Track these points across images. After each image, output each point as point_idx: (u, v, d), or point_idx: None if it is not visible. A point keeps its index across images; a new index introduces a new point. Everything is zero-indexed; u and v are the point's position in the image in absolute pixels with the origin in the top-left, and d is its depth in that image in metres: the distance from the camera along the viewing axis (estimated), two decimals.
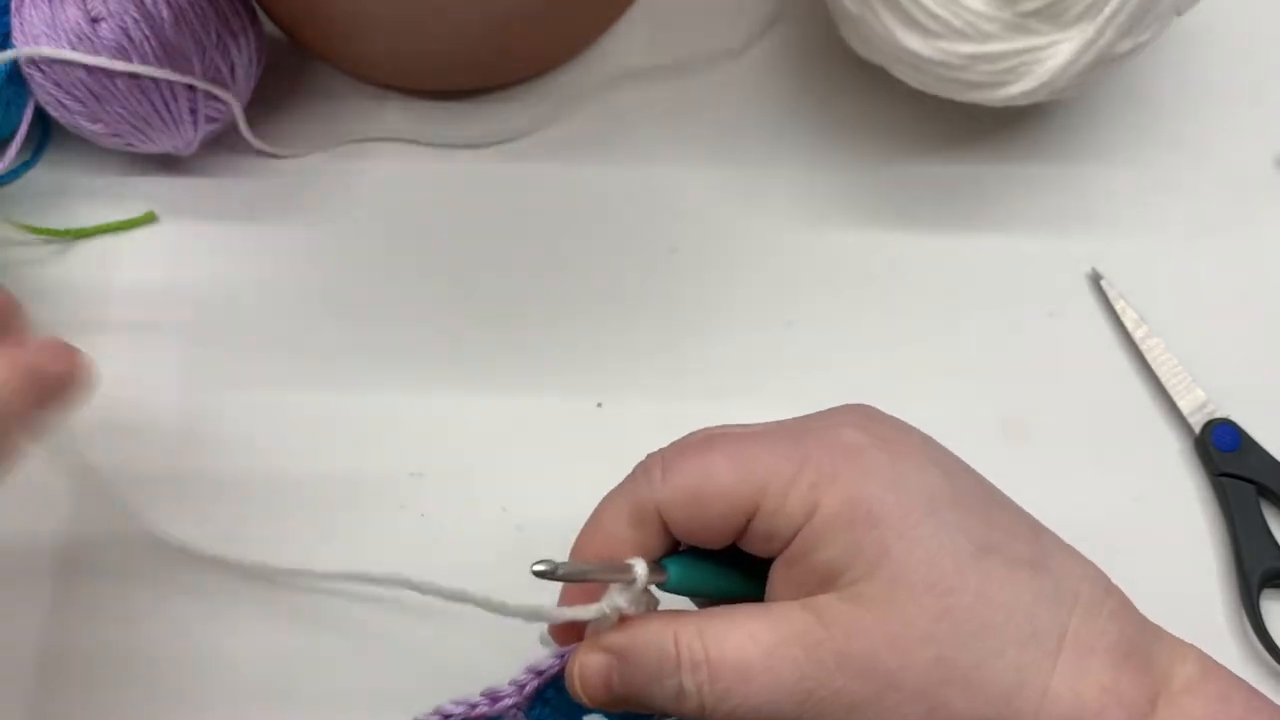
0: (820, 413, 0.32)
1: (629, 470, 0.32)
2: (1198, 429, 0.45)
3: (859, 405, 0.32)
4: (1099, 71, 0.44)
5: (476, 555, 0.43)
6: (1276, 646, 0.42)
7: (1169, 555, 0.44)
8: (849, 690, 0.27)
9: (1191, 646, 0.31)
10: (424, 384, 0.47)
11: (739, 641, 0.28)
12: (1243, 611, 0.43)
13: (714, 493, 0.29)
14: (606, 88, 0.53)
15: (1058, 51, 0.43)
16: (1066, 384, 0.47)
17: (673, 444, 0.32)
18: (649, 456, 0.32)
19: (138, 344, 0.47)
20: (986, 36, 0.43)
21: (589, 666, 0.30)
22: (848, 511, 0.28)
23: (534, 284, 0.49)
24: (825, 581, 0.28)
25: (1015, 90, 0.44)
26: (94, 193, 0.50)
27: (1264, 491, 0.44)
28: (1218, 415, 0.45)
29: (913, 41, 0.44)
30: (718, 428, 0.32)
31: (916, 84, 0.47)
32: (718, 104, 0.52)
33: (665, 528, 0.30)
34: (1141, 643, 0.30)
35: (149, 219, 0.50)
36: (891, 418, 0.32)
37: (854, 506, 0.28)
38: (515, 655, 0.33)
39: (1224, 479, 0.44)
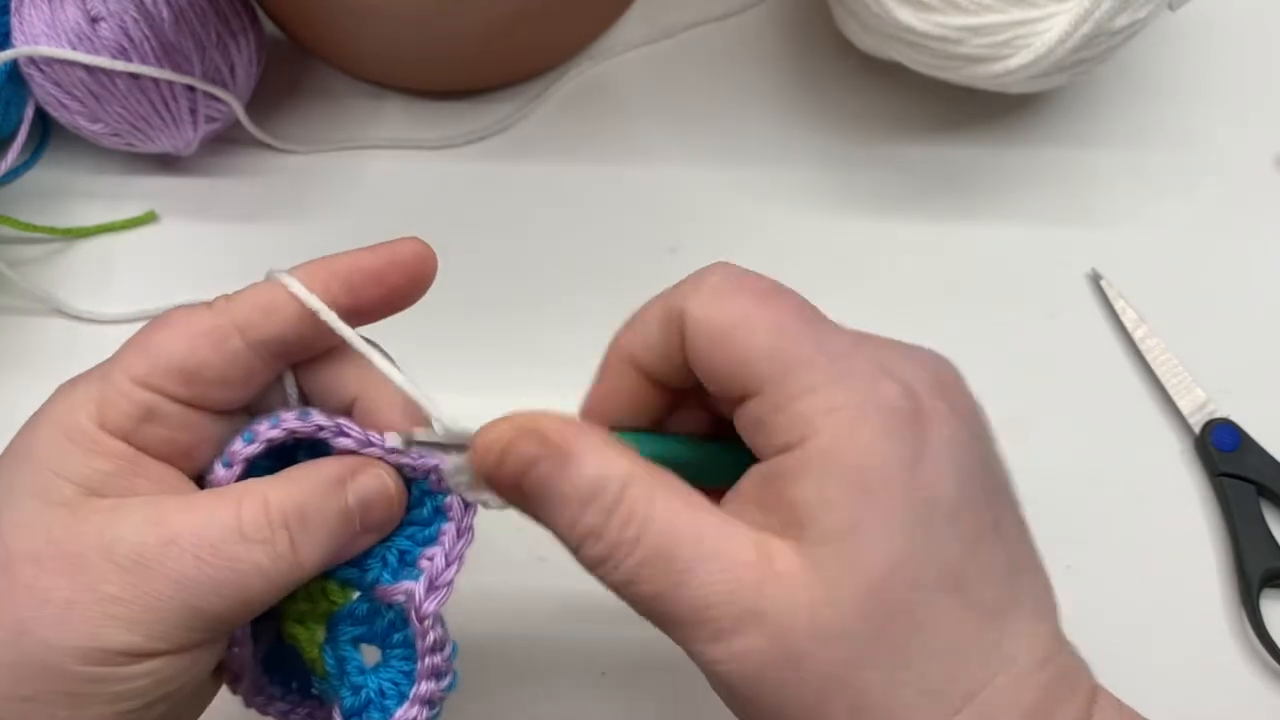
0: (904, 346, 0.29)
1: None
2: (1198, 429, 0.45)
3: (943, 362, 0.29)
4: (1097, 50, 0.44)
5: (476, 552, 0.43)
6: (1276, 646, 0.42)
7: (1169, 555, 0.44)
8: (752, 644, 0.25)
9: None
10: (424, 383, 0.46)
11: (686, 535, 0.26)
12: (1243, 611, 0.43)
13: (738, 343, 0.27)
14: (606, 86, 0.53)
15: (1054, 24, 0.43)
16: (1066, 384, 0.47)
17: (747, 273, 0.29)
18: (719, 265, 0.29)
19: None
20: (982, 8, 0.43)
21: (517, 440, 0.27)
22: (844, 460, 0.25)
23: (533, 283, 0.49)
24: (789, 524, 0.26)
25: (1013, 63, 0.44)
26: (94, 193, 0.50)
27: (1264, 491, 0.44)
28: (1218, 415, 0.45)
29: (907, 15, 0.44)
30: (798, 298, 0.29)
31: (914, 65, 0.47)
32: (717, 101, 0.52)
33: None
34: (1059, 715, 0.27)
35: (149, 219, 0.50)
36: (963, 393, 0.29)
37: (853, 459, 0.25)
38: None
39: (1224, 479, 0.44)
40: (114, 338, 0.47)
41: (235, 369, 0.29)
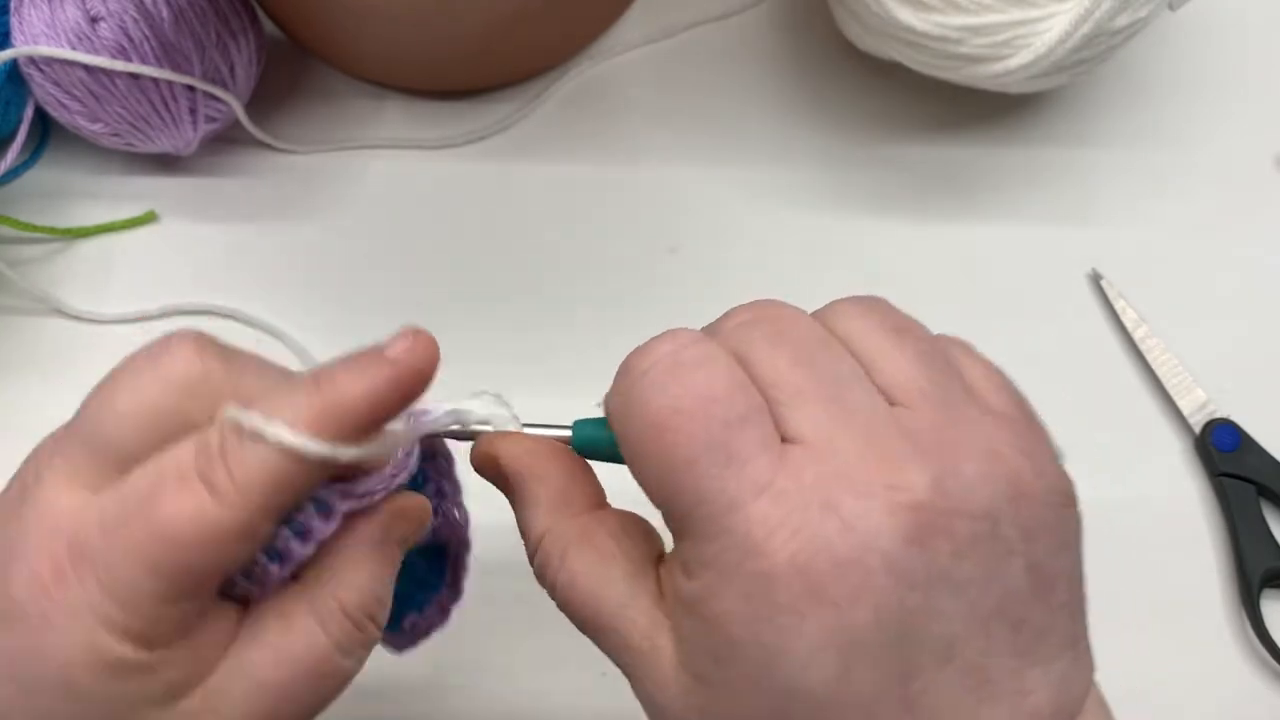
0: (879, 464, 0.24)
1: (627, 471, 0.32)
2: (1198, 429, 0.45)
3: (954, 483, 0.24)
4: (1097, 50, 0.44)
5: (476, 553, 0.43)
6: (1277, 646, 0.42)
7: (1169, 555, 0.44)
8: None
9: None
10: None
11: (590, 597, 0.27)
12: (1243, 611, 0.43)
13: (634, 468, 0.26)
14: (606, 86, 0.53)
15: (1054, 24, 0.43)
16: (1066, 384, 0.47)
17: (669, 373, 0.25)
18: (659, 353, 0.26)
19: (137, 344, 0.47)
20: (982, 8, 0.43)
21: (482, 466, 0.30)
22: (705, 615, 0.24)
23: (533, 283, 0.49)
24: (674, 612, 0.26)
25: (1013, 63, 0.44)
26: (94, 193, 0.50)
27: (1264, 491, 0.44)
28: (1218, 415, 0.45)
29: (907, 15, 0.44)
30: None
31: (914, 65, 0.47)
32: (717, 100, 0.52)
33: None
34: None
35: (149, 219, 0.50)
36: (972, 528, 0.24)
37: (711, 617, 0.24)
38: None
39: (1224, 479, 0.44)
40: (114, 338, 0.48)
41: (259, 545, 0.26)
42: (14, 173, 0.50)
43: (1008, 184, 0.51)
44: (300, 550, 0.27)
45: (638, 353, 0.26)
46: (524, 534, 0.29)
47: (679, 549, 0.25)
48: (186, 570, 0.25)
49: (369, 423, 0.26)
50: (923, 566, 0.23)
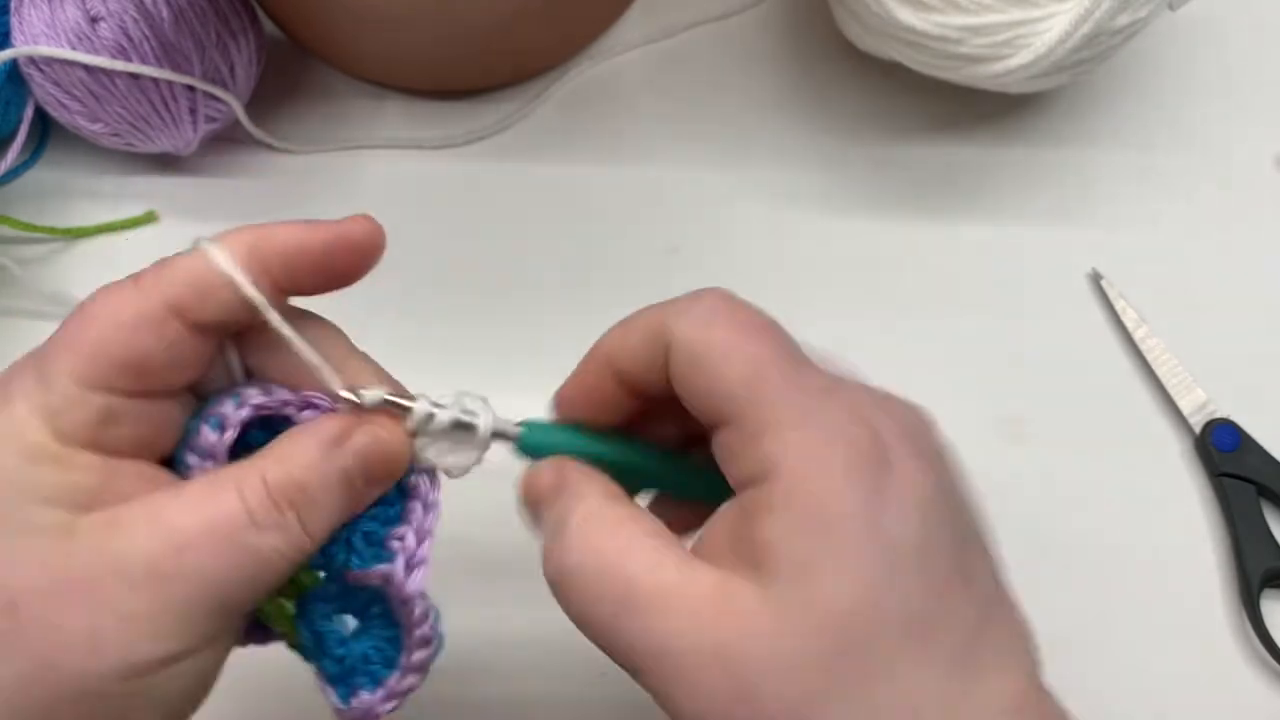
0: (877, 393, 0.29)
1: None
2: (1198, 429, 0.45)
3: (914, 411, 0.29)
4: (1097, 50, 0.44)
5: (475, 555, 0.43)
6: (1277, 646, 0.42)
7: (1169, 555, 0.44)
8: (711, 682, 0.25)
9: None
10: (422, 383, 0.46)
11: (641, 567, 0.26)
12: (1243, 611, 0.43)
13: (716, 371, 0.27)
14: (606, 86, 0.53)
15: (1054, 24, 0.43)
16: (1066, 384, 0.47)
17: (738, 303, 0.29)
18: (713, 291, 0.29)
19: None
20: (982, 8, 0.43)
21: (544, 473, 0.29)
22: (806, 500, 0.25)
23: (532, 283, 0.49)
24: (752, 562, 0.26)
25: (1014, 63, 0.44)
26: (94, 193, 0.50)
27: (1264, 491, 0.44)
28: (1218, 415, 0.45)
29: (907, 15, 0.44)
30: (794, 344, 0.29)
31: (914, 65, 0.47)
32: (717, 100, 0.52)
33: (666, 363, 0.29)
34: None
35: (149, 219, 0.50)
36: (933, 441, 0.28)
37: (814, 500, 0.25)
38: None
39: (1224, 479, 0.44)
40: None
41: (180, 352, 0.27)
42: (14, 173, 0.50)
43: (1008, 184, 0.51)
44: (234, 414, 0.28)
45: (693, 294, 0.29)
46: (563, 518, 0.28)
47: (758, 452, 0.26)
48: (99, 346, 0.26)
49: (291, 267, 0.28)
50: (944, 463, 0.28)
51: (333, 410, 0.29)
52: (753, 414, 0.27)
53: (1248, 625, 0.42)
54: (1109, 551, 0.44)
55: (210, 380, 0.29)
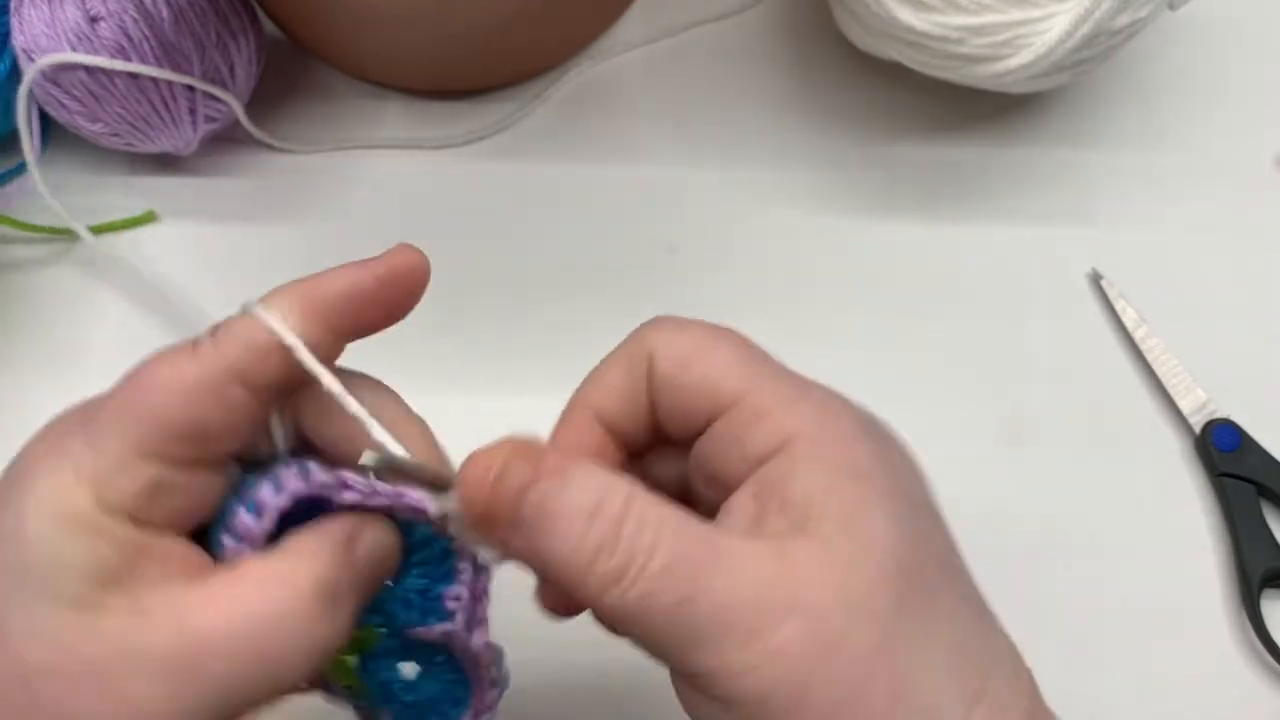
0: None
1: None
2: (1198, 429, 0.45)
3: (869, 411, 0.29)
4: (1097, 50, 0.44)
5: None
6: (1277, 646, 0.42)
7: (1169, 555, 0.44)
8: (788, 636, 0.24)
9: None
10: (423, 383, 0.46)
11: (700, 538, 0.25)
12: (1243, 611, 0.43)
13: (707, 363, 0.28)
14: (606, 86, 0.53)
15: (1054, 24, 0.43)
16: (1066, 384, 0.47)
17: (688, 320, 0.29)
18: (665, 315, 0.29)
19: (138, 344, 0.47)
20: (982, 8, 0.43)
21: (511, 464, 0.26)
22: (834, 453, 0.26)
23: (533, 282, 0.49)
24: (794, 521, 0.25)
25: (1014, 63, 0.44)
26: (94, 193, 0.50)
27: (1264, 491, 0.44)
28: (1218, 415, 0.45)
29: (907, 15, 0.44)
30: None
31: (914, 65, 0.47)
32: (717, 100, 0.52)
33: (649, 387, 0.29)
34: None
35: (149, 219, 0.50)
36: (894, 434, 0.29)
37: (841, 452, 0.26)
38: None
39: (1224, 479, 0.44)
40: (113, 338, 0.48)
41: (238, 417, 0.27)
42: (14, 172, 0.50)
43: (1008, 184, 0.51)
44: (273, 500, 0.27)
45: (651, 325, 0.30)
46: (590, 512, 0.25)
47: (761, 431, 0.27)
48: (158, 414, 0.26)
49: (345, 309, 0.28)
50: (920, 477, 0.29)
51: (370, 489, 0.28)
52: (754, 394, 0.27)
53: (1248, 625, 0.42)
54: (1109, 551, 0.44)
55: (256, 446, 0.29)
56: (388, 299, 0.29)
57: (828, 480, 0.26)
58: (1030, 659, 0.27)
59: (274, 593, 0.26)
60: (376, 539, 0.28)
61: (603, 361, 0.30)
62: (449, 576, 0.29)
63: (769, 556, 0.25)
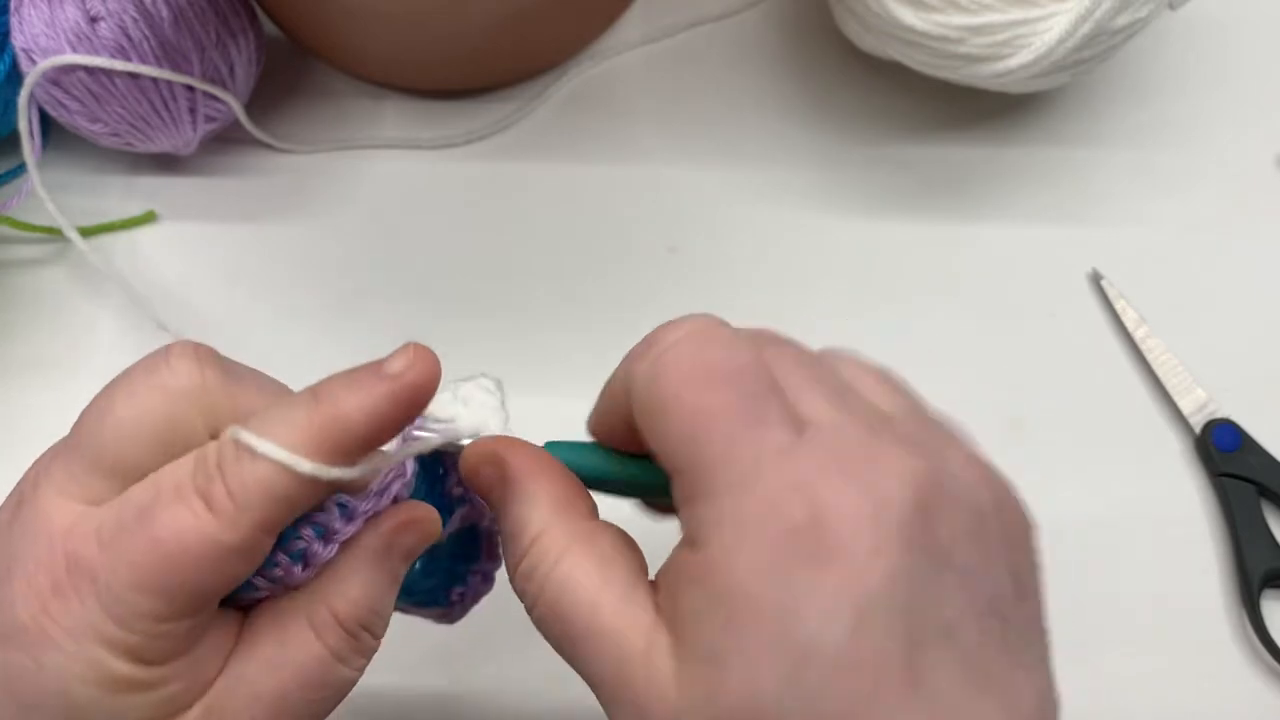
0: (881, 447, 0.25)
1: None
2: (1198, 429, 0.45)
3: (969, 482, 0.26)
4: (1097, 50, 0.44)
5: None
6: (1277, 646, 0.42)
7: (1169, 555, 0.44)
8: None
9: None
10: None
11: (582, 603, 0.25)
12: (1243, 611, 0.43)
13: (659, 428, 0.26)
14: (606, 86, 0.53)
15: (1054, 24, 0.43)
16: (1066, 384, 0.47)
17: (712, 337, 0.26)
18: (686, 324, 0.27)
19: (138, 344, 0.47)
20: (982, 8, 0.43)
21: (481, 465, 0.28)
22: (720, 582, 0.24)
23: (532, 283, 0.49)
24: (674, 624, 0.25)
25: (1014, 63, 0.44)
26: (94, 193, 0.50)
27: (1264, 491, 0.44)
28: (1218, 415, 0.45)
29: (907, 14, 0.44)
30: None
31: (914, 65, 0.47)
32: (717, 100, 0.52)
33: None
34: None
35: (149, 219, 0.50)
36: (947, 516, 0.24)
37: (728, 583, 0.24)
38: None
39: (1224, 479, 0.44)
40: (113, 338, 0.48)
41: (263, 555, 0.26)
42: (14, 172, 0.50)
43: (1008, 184, 0.51)
44: (323, 552, 0.27)
45: (668, 324, 0.27)
46: (514, 533, 0.27)
47: (691, 516, 0.25)
48: (184, 589, 0.25)
49: (368, 440, 0.26)
50: (930, 538, 0.23)
51: (375, 510, 0.28)
52: (690, 475, 0.25)
53: (1248, 625, 0.42)
54: (1109, 551, 0.44)
55: None
56: (404, 418, 0.27)
57: (706, 607, 0.24)
58: None
59: (327, 634, 0.27)
60: (412, 543, 0.29)
61: (608, 380, 0.29)
62: (445, 474, 0.31)
63: (640, 651, 0.25)
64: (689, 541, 0.25)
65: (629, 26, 0.54)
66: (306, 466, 0.25)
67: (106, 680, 0.25)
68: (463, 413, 0.30)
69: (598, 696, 0.26)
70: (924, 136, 0.51)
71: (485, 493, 0.29)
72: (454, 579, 0.33)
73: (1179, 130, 0.52)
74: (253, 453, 0.25)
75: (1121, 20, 0.43)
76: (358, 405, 0.26)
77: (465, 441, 0.30)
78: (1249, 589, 0.43)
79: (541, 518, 0.27)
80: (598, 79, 0.53)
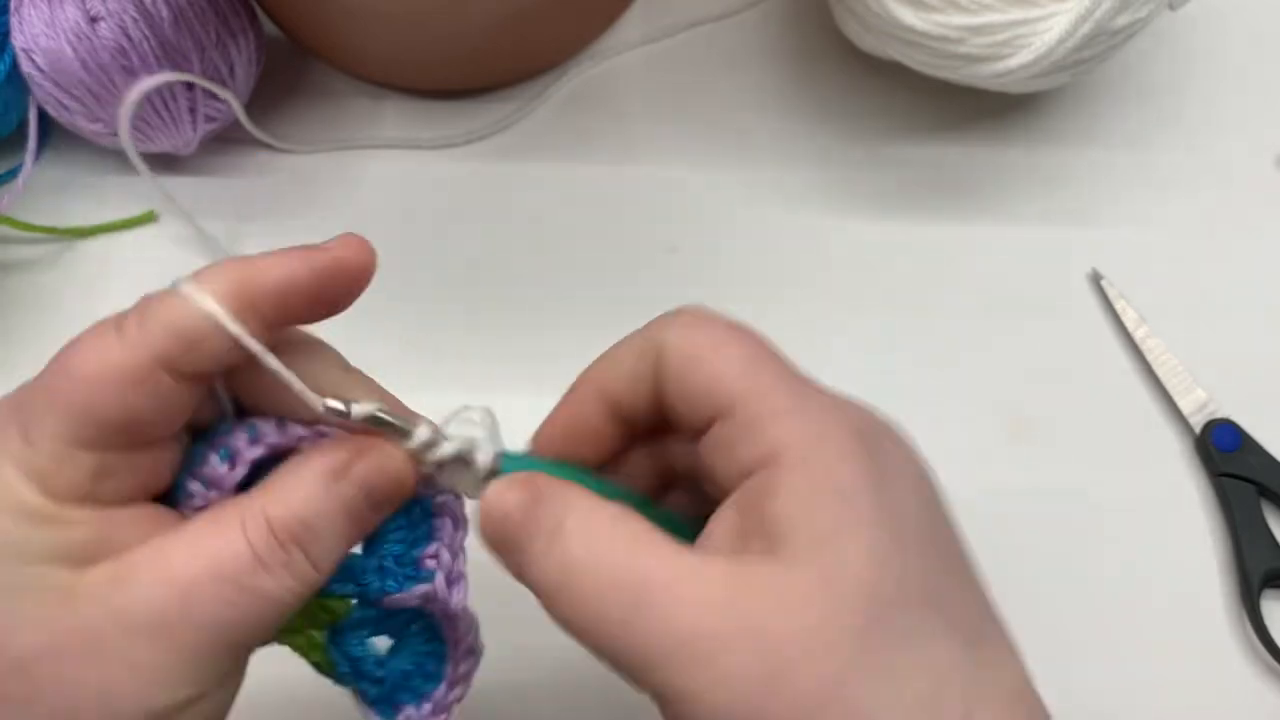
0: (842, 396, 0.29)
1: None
2: (1198, 429, 0.45)
3: (877, 413, 0.29)
4: (1097, 50, 0.44)
5: (471, 555, 0.43)
6: (1277, 646, 0.42)
7: (1169, 555, 0.44)
8: (736, 663, 0.24)
9: None
10: (422, 383, 0.46)
11: (643, 560, 0.25)
12: (1243, 611, 0.43)
13: (713, 365, 0.27)
14: (606, 86, 0.53)
15: (1054, 24, 0.43)
16: (1066, 384, 0.47)
17: (718, 314, 0.29)
18: (692, 305, 0.29)
19: None
20: (982, 8, 0.43)
21: (510, 491, 0.27)
22: (819, 472, 0.25)
23: (533, 282, 0.49)
24: (768, 540, 0.25)
25: (1014, 63, 0.44)
26: (94, 193, 0.50)
27: (1264, 491, 0.44)
28: (1218, 415, 0.45)
29: (907, 14, 0.44)
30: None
31: (914, 64, 0.47)
32: (717, 100, 0.52)
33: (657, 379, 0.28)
34: None
35: (149, 219, 0.50)
36: (902, 439, 0.29)
37: (827, 472, 0.25)
38: None
39: (1224, 479, 0.44)
40: None
41: (170, 404, 0.26)
42: (14, 172, 0.50)
43: (1008, 184, 0.51)
44: (248, 451, 0.27)
45: (663, 315, 0.29)
46: (553, 527, 0.26)
47: (761, 434, 0.26)
48: (87, 411, 0.25)
49: (280, 301, 0.26)
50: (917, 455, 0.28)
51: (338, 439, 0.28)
52: (753, 402, 0.27)
53: (1248, 625, 0.42)
54: (1109, 551, 0.44)
55: (203, 416, 0.28)
56: (324, 295, 0.27)
57: (807, 500, 0.25)
58: (1029, 658, 0.27)
59: (254, 533, 0.26)
60: (372, 469, 0.27)
61: (618, 343, 0.30)
62: (427, 536, 0.29)
63: (722, 580, 0.25)
64: (763, 462, 0.26)
65: (629, 26, 0.54)
66: (209, 304, 0.25)
67: (13, 506, 0.25)
68: (482, 438, 0.29)
69: (672, 667, 0.24)
70: (924, 136, 0.51)
71: (502, 519, 0.27)
72: (408, 692, 0.30)
73: (1179, 130, 0.52)
74: (174, 292, 0.26)
75: (1121, 20, 0.43)
76: (274, 263, 0.27)
77: (479, 456, 0.28)
78: (1249, 589, 0.43)
79: (584, 499, 0.27)
80: (598, 79, 0.53)
